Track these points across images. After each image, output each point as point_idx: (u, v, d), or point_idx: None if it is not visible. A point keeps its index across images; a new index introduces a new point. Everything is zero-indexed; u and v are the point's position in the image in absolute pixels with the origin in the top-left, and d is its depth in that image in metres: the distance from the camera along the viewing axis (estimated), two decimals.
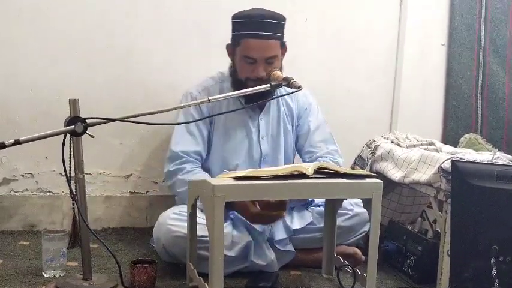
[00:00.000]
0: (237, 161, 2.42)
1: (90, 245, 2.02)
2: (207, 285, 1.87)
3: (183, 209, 2.19)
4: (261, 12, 2.31)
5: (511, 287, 1.66)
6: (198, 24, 2.82)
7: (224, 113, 2.31)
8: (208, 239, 1.87)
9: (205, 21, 2.83)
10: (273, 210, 2.14)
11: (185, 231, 2.12)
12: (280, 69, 2.31)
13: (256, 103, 2.34)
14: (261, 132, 2.46)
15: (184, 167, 2.33)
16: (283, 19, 2.35)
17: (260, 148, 2.45)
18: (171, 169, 2.35)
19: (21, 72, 2.68)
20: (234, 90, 2.31)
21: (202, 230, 2.05)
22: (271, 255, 2.26)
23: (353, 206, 2.39)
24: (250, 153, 2.44)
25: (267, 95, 2.32)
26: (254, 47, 2.28)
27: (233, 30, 2.36)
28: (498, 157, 2.16)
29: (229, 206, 2.18)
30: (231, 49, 2.39)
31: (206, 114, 2.38)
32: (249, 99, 2.32)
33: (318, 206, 2.39)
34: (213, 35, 2.82)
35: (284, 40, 2.37)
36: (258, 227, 2.24)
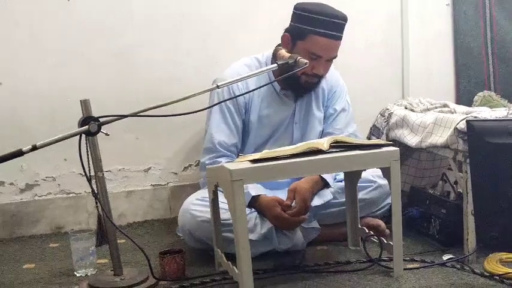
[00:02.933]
0: (270, 148, 2.33)
1: (118, 241, 2.05)
2: (235, 269, 1.89)
3: (205, 194, 2.20)
4: (334, 12, 2.24)
5: None
6: (194, 14, 2.82)
7: (250, 91, 2.22)
8: (231, 221, 1.89)
9: (201, 11, 2.83)
10: (295, 215, 2.16)
11: (209, 215, 2.14)
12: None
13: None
14: (295, 118, 2.44)
15: (219, 161, 2.28)
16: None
17: (292, 134, 2.44)
18: (207, 162, 2.32)
19: (26, 79, 2.69)
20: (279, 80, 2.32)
21: (225, 214, 2.08)
22: (295, 237, 2.25)
23: (375, 178, 2.38)
24: (282, 140, 2.41)
25: (296, 81, 2.29)
26: (323, 46, 2.23)
27: (298, 21, 2.26)
28: None
29: (254, 207, 2.22)
30: (291, 40, 2.28)
31: (242, 105, 2.37)
32: (285, 85, 2.33)
33: (340, 181, 2.38)
34: (209, 24, 2.83)
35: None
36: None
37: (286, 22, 2.31)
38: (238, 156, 2.33)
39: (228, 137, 2.35)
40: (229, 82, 2.03)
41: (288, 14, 2.30)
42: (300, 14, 2.26)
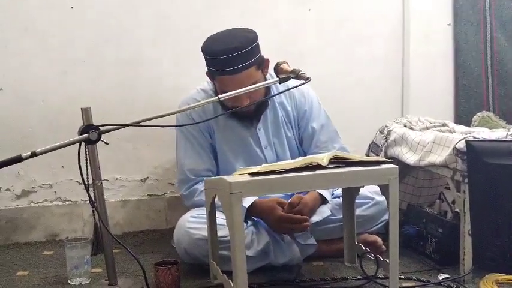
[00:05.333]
0: None
1: (113, 250, 2.04)
2: (231, 282, 1.88)
3: (201, 211, 2.21)
4: (223, 47, 2.14)
5: None
6: (203, 25, 2.80)
7: (211, 119, 2.23)
8: (228, 238, 1.88)
9: (210, 21, 2.81)
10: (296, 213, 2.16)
11: (205, 233, 2.13)
12: (265, 78, 2.25)
13: (233, 110, 2.18)
14: (262, 142, 2.39)
15: (196, 189, 2.31)
16: (251, 42, 2.17)
17: (265, 157, 2.39)
18: (185, 193, 2.35)
19: (30, 85, 2.71)
20: (223, 108, 2.27)
21: (222, 230, 2.06)
22: (291, 252, 2.25)
23: (373, 194, 2.37)
24: (256, 164, 2.31)
25: (238, 111, 2.24)
26: (229, 84, 2.16)
27: (206, 63, 2.24)
28: None
29: (254, 213, 2.21)
30: (211, 78, 2.29)
31: (205, 129, 2.35)
32: (234, 115, 2.26)
33: (337, 197, 2.38)
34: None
35: (260, 58, 2.22)
36: None
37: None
38: None
39: (198, 163, 2.34)
40: (231, 94, 2.00)
41: None
42: (204, 56, 2.22)
